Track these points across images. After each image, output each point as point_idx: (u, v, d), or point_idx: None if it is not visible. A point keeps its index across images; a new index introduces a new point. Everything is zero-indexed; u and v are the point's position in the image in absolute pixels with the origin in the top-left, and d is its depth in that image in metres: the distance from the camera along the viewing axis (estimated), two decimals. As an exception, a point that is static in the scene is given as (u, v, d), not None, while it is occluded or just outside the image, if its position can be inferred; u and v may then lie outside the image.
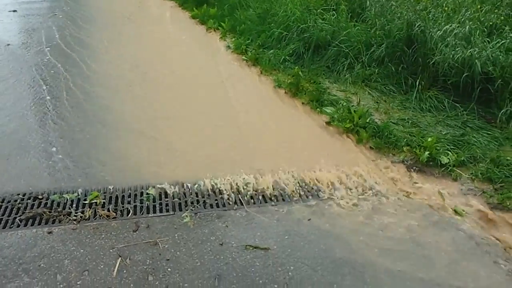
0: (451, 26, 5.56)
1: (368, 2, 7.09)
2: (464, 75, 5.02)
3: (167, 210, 3.58)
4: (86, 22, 9.06)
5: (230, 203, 3.70)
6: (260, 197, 3.78)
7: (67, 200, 3.67)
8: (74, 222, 3.40)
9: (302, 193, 3.85)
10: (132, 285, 2.83)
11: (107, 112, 5.20)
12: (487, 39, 5.46)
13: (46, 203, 3.63)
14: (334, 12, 7.15)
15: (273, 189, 3.87)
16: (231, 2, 9.11)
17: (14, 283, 2.83)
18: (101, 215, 3.47)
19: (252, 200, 3.74)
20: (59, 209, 3.55)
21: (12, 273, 2.91)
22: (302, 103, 5.48)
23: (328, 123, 4.98)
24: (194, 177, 3.99)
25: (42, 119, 4.99)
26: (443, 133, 4.66)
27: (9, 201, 3.65)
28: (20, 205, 3.60)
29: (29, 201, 3.66)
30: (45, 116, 5.05)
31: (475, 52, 5.10)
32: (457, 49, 5.21)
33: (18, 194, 3.73)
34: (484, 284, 2.95)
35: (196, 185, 3.88)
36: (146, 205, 3.62)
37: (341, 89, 5.77)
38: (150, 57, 7.05)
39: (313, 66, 6.37)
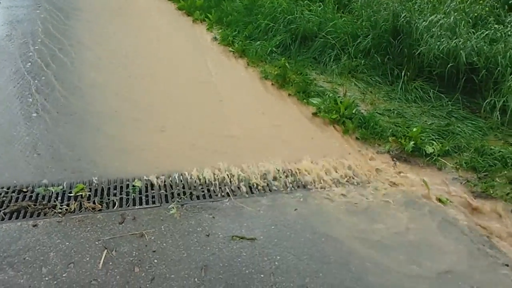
0: (436, 17, 5.60)
1: (354, -7, 7.11)
2: (449, 66, 5.07)
3: (154, 202, 3.57)
4: (72, 13, 8.94)
5: (217, 194, 3.70)
6: (247, 188, 3.78)
7: (52, 193, 3.64)
8: (60, 215, 3.38)
9: (288, 183, 3.86)
10: (118, 277, 2.83)
11: (92, 104, 5.15)
12: (472, 30, 5.51)
13: (31, 196, 3.60)
14: (320, 3, 7.16)
15: (260, 180, 3.88)
16: (217, -7, 9.06)
17: (-1, 276, 2.81)
18: (87, 207, 3.46)
19: (239, 191, 3.75)
20: (44, 202, 3.52)
21: (-3, 266, 2.90)
22: (289, 94, 5.48)
23: (314, 114, 5.00)
24: (181, 168, 3.98)
25: (26, 111, 4.93)
26: (428, 123, 4.70)
27: (-7, 195, 3.62)
28: (4, 198, 3.56)
29: (13, 194, 3.62)
30: (29, 108, 4.99)
31: (460, 43, 5.14)
32: (442, 40, 5.25)
33: (3, 188, 3.69)
34: (469, 270, 3.00)
35: (183, 177, 3.87)
36: (132, 197, 3.61)
37: (328, 81, 5.79)
38: (135, 50, 6.98)
39: (299, 58, 6.37)
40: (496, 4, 6.24)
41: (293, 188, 3.80)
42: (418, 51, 5.33)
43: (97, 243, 3.09)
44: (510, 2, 6.24)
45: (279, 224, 3.35)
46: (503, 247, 3.25)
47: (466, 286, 2.88)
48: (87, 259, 2.96)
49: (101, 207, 3.48)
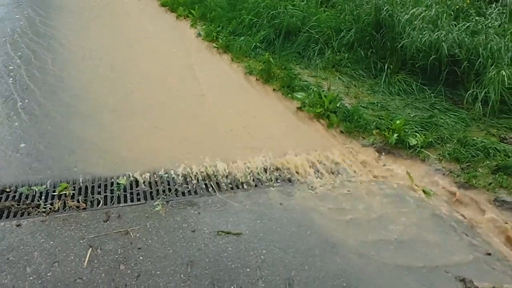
0: (418, 9, 5.64)
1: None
2: (431, 58, 5.11)
3: (139, 199, 3.56)
4: (53, 11, 8.84)
5: (202, 190, 3.70)
6: (232, 183, 3.79)
7: (35, 192, 3.61)
8: (43, 214, 3.35)
9: (273, 178, 3.87)
10: (103, 274, 2.81)
11: (76, 102, 5.10)
12: (454, 22, 5.55)
13: (14, 196, 3.57)
14: (303, -3, 7.16)
15: (245, 175, 3.88)
16: (200, -12, 9.02)
17: (-18, 277, 2.79)
18: (71, 206, 3.43)
19: (224, 187, 3.75)
20: (27, 202, 3.49)
21: (-20, 267, 2.87)
22: (274, 89, 5.48)
23: (299, 108, 5.01)
24: (166, 165, 3.96)
25: (7, 111, 4.87)
26: (412, 115, 4.74)
27: (-25, 195, 3.58)
28: (-13, 199, 3.53)
29: (-4, 194, 3.59)
30: (11, 107, 4.93)
31: (442, 35, 5.18)
32: (424, 33, 5.29)
33: (-15, 188, 3.66)
34: (453, 260, 3.04)
35: (168, 174, 3.86)
36: (117, 195, 3.59)
37: (312, 75, 5.80)
38: (118, 48, 6.92)
39: (284, 53, 6.38)
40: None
41: (278, 182, 3.81)
42: (401, 44, 5.37)
43: (81, 241, 3.08)
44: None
45: (265, 218, 3.36)
46: (486, 236, 3.30)
47: (450, 275, 2.91)
48: (72, 257, 2.94)
49: (86, 206, 3.45)
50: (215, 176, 3.86)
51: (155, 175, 3.84)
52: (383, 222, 3.38)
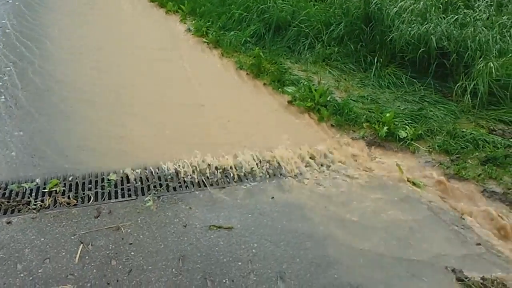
0: (406, 2, 5.65)
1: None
2: (420, 51, 5.14)
3: (130, 195, 3.55)
4: (42, 6, 8.76)
5: (193, 185, 3.70)
6: (224, 178, 3.79)
7: (26, 189, 3.60)
8: (34, 211, 3.34)
9: (265, 172, 3.87)
10: (94, 270, 2.81)
11: (66, 99, 5.07)
12: (442, 15, 5.58)
13: (4, 193, 3.55)
14: (293, -9, 7.14)
15: (236, 169, 3.88)
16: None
17: (-28, 275, 2.77)
18: (61, 202, 3.42)
19: (216, 181, 3.75)
20: (17, 199, 3.48)
21: (-30, 265, 2.85)
22: (264, 83, 5.48)
23: (289, 102, 5.01)
24: (157, 160, 3.95)
25: (-3, 108, 4.85)
26: (401, 108, 4.76)
27: (-36, 193, 3.56)
28: (-24, 196, 3.51)
29: (-14, 192, 3.57)
30: (1, 105, 4.89)
31: (431, 28, 5.21)
32: (413, 26, 5.31)
33: (-25, 186, 3.63)
34: (443, 251, 3.07)
35: (159, 169, 3.86)
36: (108, 191, 3.58)
37: (302, 69, 5.81)
38: (107, 44, 6.88)
39: (274, 47, 6.37)
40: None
41: (269, 176, 3.82)
42: (390, 37, 5.38)
43: (72, 237, 3.07)
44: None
45: (256, 212, 3.37)
46: (475, 227, 3.33)
47: (440, 266, 2.94)
48: (63, 254, 2.93)
49: (76, 202, 3.45)
50: (206, 170, 3.85)
51: (146, 171, 3.83)
52: (374, 214, 3.40)
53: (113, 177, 3.73)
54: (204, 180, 3.74)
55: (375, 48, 5.64)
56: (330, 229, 3.21)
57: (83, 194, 3.54)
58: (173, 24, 7.83)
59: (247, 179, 3.79)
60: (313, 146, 4.23)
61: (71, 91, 5.28)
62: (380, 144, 4.28)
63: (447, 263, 2.96)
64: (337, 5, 6.37)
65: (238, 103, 5.06)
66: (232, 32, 6.79)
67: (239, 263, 2.89)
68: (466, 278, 2.82)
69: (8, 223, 3.21)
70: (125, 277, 2.77)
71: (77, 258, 2.90)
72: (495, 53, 4.88)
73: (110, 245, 3.01)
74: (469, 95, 4.68)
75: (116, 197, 3.52)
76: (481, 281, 2.80)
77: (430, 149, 4.15)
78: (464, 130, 4.32)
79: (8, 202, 3.43)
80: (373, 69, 5.44)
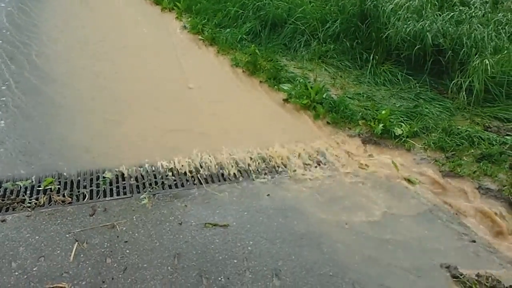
0: (402, -1, 5.66)
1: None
2: (416, 48, 5.14)
3: (125, 193, 3.54)
4: (37, 3, 8.71)
5: (189, 182, 3.69)
6: (219, 175, 3.79)
7: (20, 187, 3.58)
8: (29, 209, 3.32)
9: (260, 169, 3.87)
10: (90, 268, 2.80)
11: (60, 96, 5.05)
12: (438, 12, 5.58)
13: (-2, 191, 3.54)
14: (289, -11, 7.13)
15: (232, 167, 3.88)
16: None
17: (-33, 274, 2.76)
18: (56, 200, 3.41)
19: (211, 179, 3.74)
20: (12, 197, 3.46)
21: (-36, 263, 2.84)
22: (260, 81, 5.48)
23: (285, 100, 5.01)
24: (152, 158, 3.95)
25: (-9, 106, 4.82)
26: (397, 105, 4.77)
27: (-41, 191, 3.54)
28: (-29, 195, 3.49)
29: (-20, 190, 3.55)
30: (-6, 103, 4.88)
31: (426, 25, 5.21)
32: (409, 23, 5.31)
33: (-31, 184, 3.61)
34: (438, 247, 3.08)
35: (154, 167, 3.85)
36: (103, 189, 3.57)
37: (298, 66, 5.81)
38: (104, 40, 6.85)
39: (270, 44, 6.37)
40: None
41: (265, 174, 3.82)
42: (386, 35, 5.38)
43: (67, 236, 3.06)
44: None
45: (252, 209, 3.37)
46: (470, 224, 3.35)
47: (435, 262, 2.95)
48: (58, 252, 2.92)
49: (71, 200, 3.43)
50: (201, 168, 3.85)
51: (141, 169, 3.82)
52: (369, 211, 3.40)
53: (108, 175, 3.72)
54: (199, 178, 3.73)
55: (371, 45, 5.65)
56: (326, 226, 3.22)
57: (78, 192, 3.53)
58: (168, 21, 7.81)
59: (242, 176, 3.79)
60: (309, 144, 4.23)
61: (66, 88, 5.25)
62: (376, 141, 4.29)
63: (442, 259, 2.97)
64: (333, 2, 6.38)
65: (234, 101, 5.06)
66: (228, 30, 6.79)
67: (235, 261, 2.89)
68: (461, 275, 2.82)
69: (3, 221, 3.20)
70: (120, 275, 2.76)
71: (72, 256, 2.89)
72: (491, 50, 4.89)
73: (105, 243, 3.00)
74: (464, 92, 4.69)
75: (111, 195, 3.51)
76: (476, 277, 2.81)
77: (426, 146, 4.15)
78: (460, 127, 4.33)
79: (3, 200, 3.41)
80: (369, 67, 5.44)
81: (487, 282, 2.77)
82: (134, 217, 3.26)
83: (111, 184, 3.64)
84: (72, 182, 3.64)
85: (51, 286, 2.68)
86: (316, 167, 3.93)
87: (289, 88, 5.12)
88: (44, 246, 2.97)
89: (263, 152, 4.09)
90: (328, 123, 4.59)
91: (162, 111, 4.76)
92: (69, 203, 3.40)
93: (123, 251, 2.94)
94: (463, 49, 4.94)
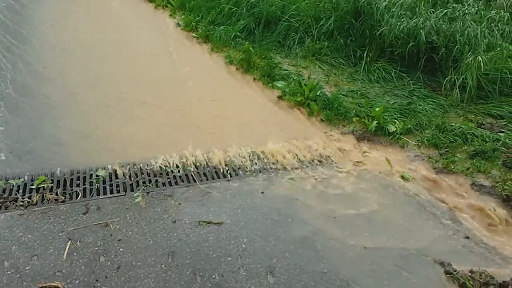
0: (395, -4, 5.67)
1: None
2: (409, 45, 5.15)
3: (118, 191, 3.52)
4: (29, 1, 8.65)
5: (183, 180, 3.68)
6: (213, 173, 3.78)
7: (13, 186, 3.55)
8: (21, 207, 3.30)
9: (255, 167, 3.86)
10: (83, 267, 2.79)
11: (52, 94, 5.01)
12: (432, 9, 5.59)
13: (-10, 190, 3.51)
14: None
15: (226, 165, 3.87)
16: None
17: (-41, 273, 2.74)
18: (49, 199, 3.38)
19: (205, 177, 3.73)
20: (4, 196, 3.42)
21: (-44, 263, 2.82)
22: (254, 78, 5.47)
23: (279, 97, 5.01)
24: (146, 156, 3.93)
25: (-17, 104, 4.78)
26: (391, 102, 4.78)
27: (-50, 190, 3.51)
28: (-37, 193, 3.46)
29: (-28, 189, 3.52)
30: (-14, 101, 4.84)
31: (420, 22, 5.23)
32: (402, 20, 5.33)
33: (-39, 183, 3.58)
34: (432, 244, 3.10)
35: (148, 165, 3.83)
36: (96, 187, 3.55)
37: (292, 64, 5.80)
38: (97, 37, 6.81)
39: (264, 42, 6.36)
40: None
41: (259, 171, 3.81)
42: (379, 32, 5.39)
43: (60, 234, 3.04)
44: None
45: (246, 207, 3.37)
46: (464, 220, 3.36)
47: (429, 259, 2.96)
48: (51, 251, 2.90)
49: (64, 198, 3.41)
50: (195, 166, 3.84)
51: (134, 167, 3.81)
52: (363, 208, 3.41)
53: (101, 173, 3.70)
54: (193, 176, 3.72)
55: (365, 42, 5.66)
56: (320, 223, 3.22)
57: (71, 190, 3.51)
58: (162, 19, 7.78)
59: (236, 174, 3.78)
60: (303, 141, 4.23)
61: (59, 86, 5.21)
62: (370, 138, 4.29)
63: (436, 256, 2.98)
64: (327, 0, 6.36)
65: (228, 98, 5.04)
66: (222, 27, 6.77)
67: (229, 258, 2.89)
68: (454, 271, 2.83)
69: (-5, 220, 3.18)
70: (113, 274, 2.75)
71: (65, 255, 2.87)
72: (484, 47, 4.92)
73: (99, 242, 2.98)
74: (457, 89, 4.72)
75: (105, 193, 3.49)
76: (470, 274, 2.82)
77: (419, 143, 4.17)
78: (453, 124, 4.35)
79: (-5, 199, 3.39)
80: (363, 64, 5.45)
81: (480, 278, 2.78)
82: (127, 215, 3.24)
83: (104, 182, 3.62)
84: (65, 181, 3.62)
85: (44, 285, 2.66)
86: (310, 164, 3.92)
87: (283, 86, 5.12)
88: (37, 245, 2.95)
89: (257, 149, 4.08)
90: (322, 120, 4.59)
91: (156, 109, 4.74)
92: (62, 201, 3.38)
93: (116, 249, 2.93)
94: (456, 46, 4.96)
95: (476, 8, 5.64)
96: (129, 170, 3.77)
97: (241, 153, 4.02)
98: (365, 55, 5.48)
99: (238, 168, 3.84)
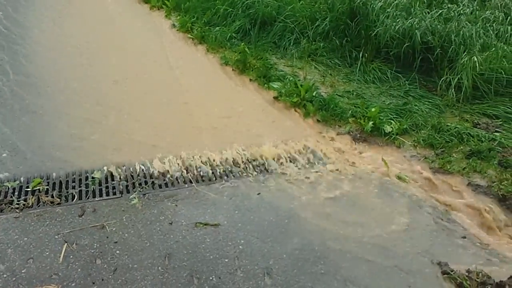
0: (391, -3, 5.67)
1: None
2: (405, 46, 5.15)
3: (114, 193, 3.51)
4: (22, 2, 8.62)
5: (179, 182, 3.67)
6: (210, 175, 3.77)
7: (8, 188, 3.53)
8: (17, 210, 3.28)
9: (251, 168, 3.86)
10: (79, 269, 2.77)
11: (47, 97, 4.99)
12: (427, 9, 5.61)
13: (-15, 193, 3.49)
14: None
15: (223, 166, 3.86)
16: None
17: (-46, 277, 2.72)
18: (45, 201, 3.37)
19: (202, 178, 3.72)
20: (0, 198, 3.41)
21: (-49, 266, 2.80)
22: (250, 79, 5.46)
23: (275, 98, 5.00)
24: (142, 158, 3.92)
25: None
26: (387, 103, 4.78)
27: None
28: (-43, 196, 3.44)
29: (-33, 192, 3.50)
30: (-19, 103, 4.81)
31: (415, 23, 5.23)
32: (397, 20, 5.33)
33: (-44, 186, 3.56)
34: (428, 243, 3.10)
35: (144, 166, 3.82)
36: (92, 189, 3.54)
37: (288, 65, 5.80)
38: (91, 39, 6.79)
39: (259, 43, 6.35)
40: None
41: (255, 173, 3.81)
42: (375, 32, 5.39)
43: (56, 237, 3.03)
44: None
45: (243, 208, 3.36)
46: (460, 220, 3.36)
47: (426, 259, 2.96)
48: (47, 253, 2.89)
49: (60, 201, 3.40)
50: (192, 167, 3.83)
51: (131, 168, 3.80)
52: (360, 209, 3.41)
53: (97, 175, 3.69)
54: (190, 177, 3.71)
55: (360, 43, 5.66)
56: (317, 224, 3.22)
57: (67, 192, 3.49)
58: (157, 20, 7.75)
59: (233, 175, 3.78)
60: (299, 142, 4.23)
61: (54, 88, 5.19)
62: (366, 139, 4.29)
63: (433, 256, 2.98)
64: (322, 0, 6.37)
65: (224, 99, 5.03)
66: (217, 28, 6.76)
67: (226, 260, 2.88)
68: (451, 271, 2.84)
69: (-10, 223, 3.16)
70: (110, 276, 2.74)
71: (61, 257, 2.86)
72: (479, 48, 4.92)
73: (95, 244, 2.97)
74: (453, 89, 4.72)
75: (101, 196, 3.48)
76: (467, 273, 2.82)
77: (415, 143, 4.17)
78: (449, 124, 4.35)
79: (-10, 201, 3.37)
80: (358, 64, 5.45)
81: (477, 278, 2.79)
82: (124, 217, 3.23)
83: (100, 184, 3.61)
84: (60, 183, 3.60)
85: (40, 288, 2.65)
86: (306, 165, 3.92)
87: (279, 86, 5.11)
88: (32, 247, 2.94)
89: (253, 150, 4.07)
90: (318, 121, 4.59)
91: (151, 110, 4.72)
92: (57, 204, 3.37)
93: (113, 251, 2.92)
94: (452, 47, 4.97)
95: (471, 9, 5.64)
96: (125, 172, 3.75)
97: (237, 154, 4.01)
98: (360, 55, 5.48)
99: (234, 169, 3.84)
